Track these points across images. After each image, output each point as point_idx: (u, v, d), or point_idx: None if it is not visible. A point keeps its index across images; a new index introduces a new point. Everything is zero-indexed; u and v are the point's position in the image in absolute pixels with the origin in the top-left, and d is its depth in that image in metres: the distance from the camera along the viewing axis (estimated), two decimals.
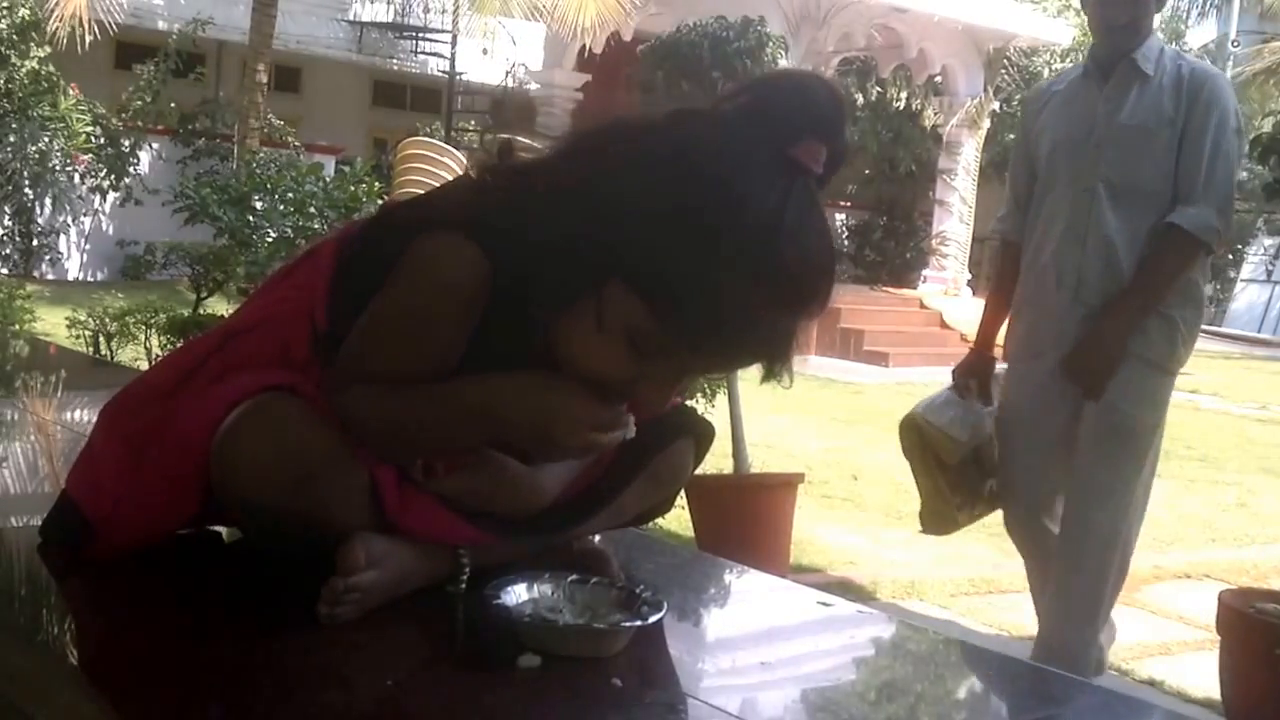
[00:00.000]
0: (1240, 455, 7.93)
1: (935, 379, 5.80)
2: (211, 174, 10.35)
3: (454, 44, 15.57)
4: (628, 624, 1.09)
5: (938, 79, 13.78)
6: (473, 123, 16.47)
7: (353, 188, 5.76)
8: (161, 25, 13.54)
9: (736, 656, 1.22)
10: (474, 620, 1.14)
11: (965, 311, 12.01)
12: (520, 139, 1.17)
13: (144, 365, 4.48)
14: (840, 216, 14.88)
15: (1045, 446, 3.00)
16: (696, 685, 1.12)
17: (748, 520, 4.13)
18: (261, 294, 1.33)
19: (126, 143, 11.78)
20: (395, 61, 17.11)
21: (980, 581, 4.33)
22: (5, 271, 10.74)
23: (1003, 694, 1.24)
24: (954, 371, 3.19)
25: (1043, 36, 13.78)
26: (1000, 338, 3.22)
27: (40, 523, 1.25)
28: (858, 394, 9.37)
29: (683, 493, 2.62)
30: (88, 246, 11.95)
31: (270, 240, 5.39)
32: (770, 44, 10.02)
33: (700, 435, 1.34)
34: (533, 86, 14.66)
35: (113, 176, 11.67)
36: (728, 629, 1.35)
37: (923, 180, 15.01)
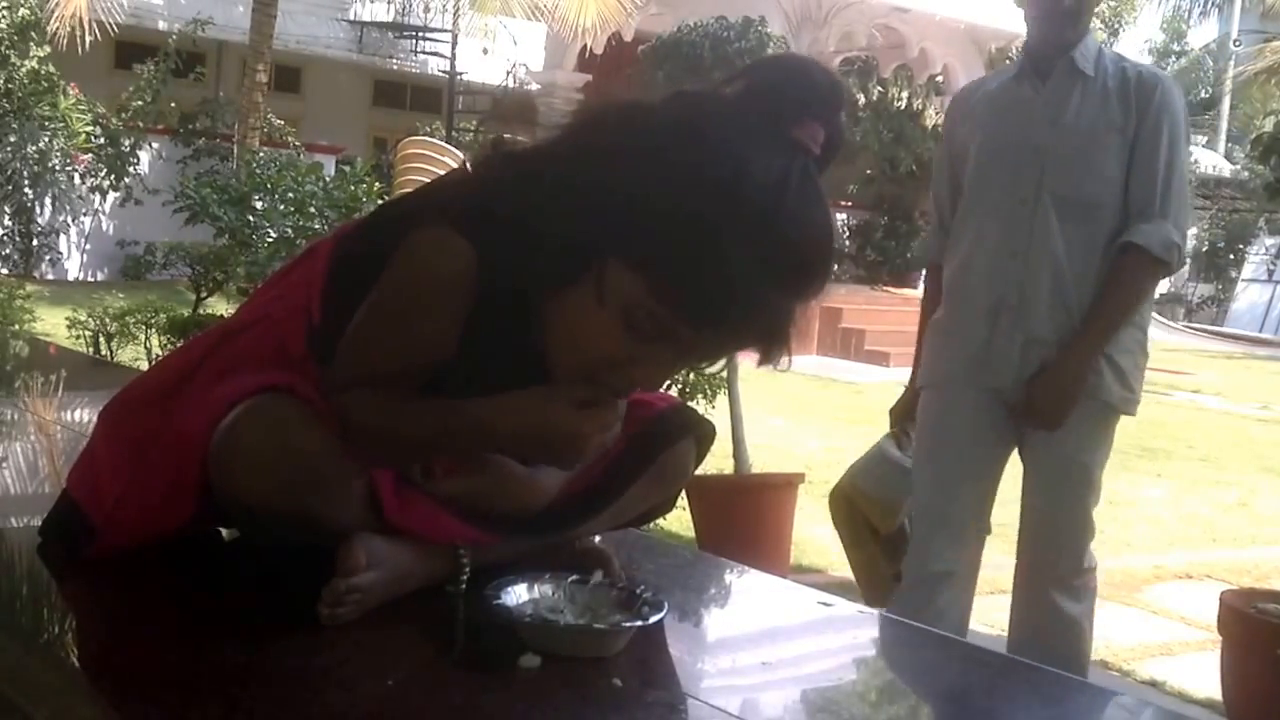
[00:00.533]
0: (1242, 455, 7.93)
1: None
2: (211, 174, 10.34)
3: (454, 44, 15.56)
4: (628, 624, 1.09)
5: (939, 79, 13.80)
6: (473, 123, 16.48)
7: (353, 188, 5.76)
8: (161, 25, 13.55)
9: (737, 656, 1.22)
10: (474, 620, 1.14)
11: None
12: (518, 136, 1.18)
13: (144, 365, 4.48)
14: (841, 216, 14.86)
15: (970, 478, 2.69)
16: (697, 685, 1.12)
17: (748, 520, 4.14)
18: (260, 294, 1.34)
19: (126, 142, 11.78)
20: (395, 61, 17.12)
21: (980, 581, 4.32)
22: (5, 271, 10.74)
23: (1003, 694, 1.24)
24: (891, 412, 2.92)
25: None
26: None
27: (40, 523, 1.25)
28: (858, 394, 9.37)
29: (684, 493, 2.61)
30: (88, 246, 11.96)
31: (270, 240, 5.39)
32: (771, 44, 10.05)
33: (701, 435, 1.34)
34: (533, 86, 14.66)
35: (113, 176, 11.67)
36: (728, 629, 1.35)
37: (924, 180, 14.99)
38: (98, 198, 11.78)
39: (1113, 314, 2.52)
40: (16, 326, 5.58)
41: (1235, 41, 24.94)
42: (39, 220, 11.45)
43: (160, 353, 5.18)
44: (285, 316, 1.22)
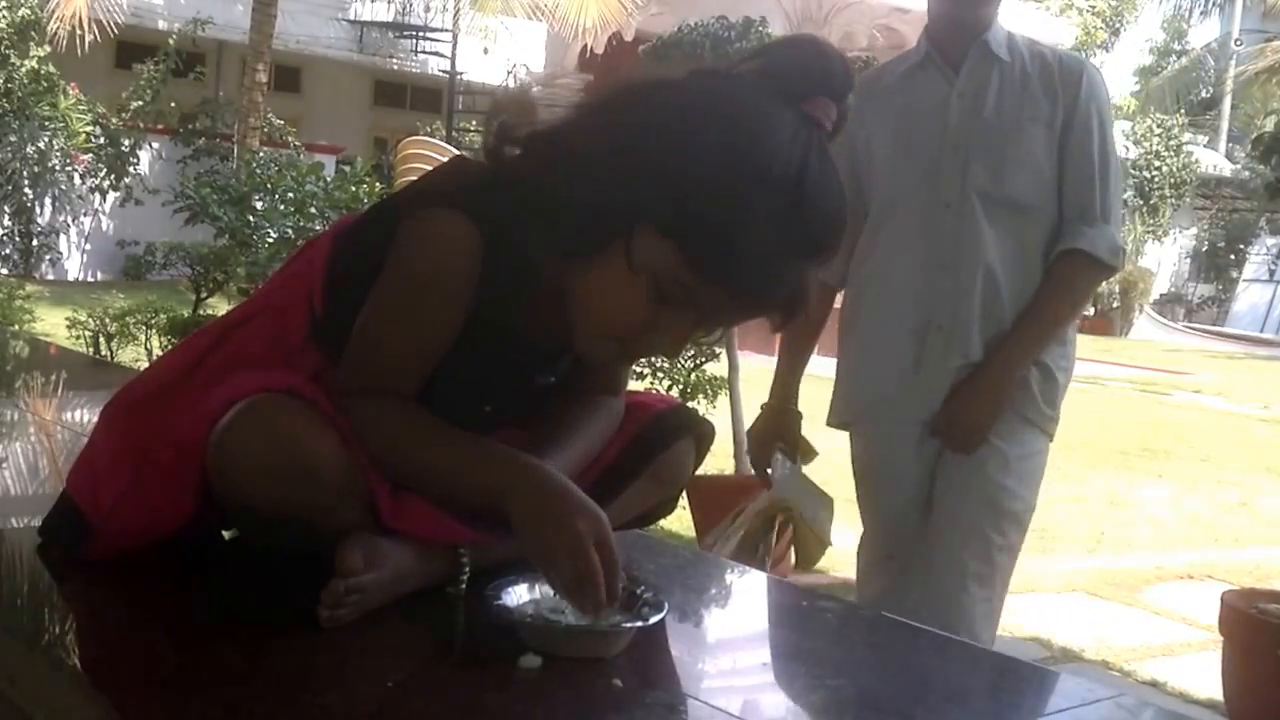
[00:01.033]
0: (1243, 455, 7.93)
1: None
2: (211, 174, 10.35)
3: (455, 44, 15.57)
4: (628, 624, 1.09)
5: None
6: (473, 123, 16.47)
7: (353, 188, 5.77)
8: (161, 25, 13.54)
9: (737, 656, 1.22)
10: (475, 621, 1.14)
11: None
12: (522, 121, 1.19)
13: (144, 365, 4.48)
14: None
15: (901, 511, 2.32)
16: (697, 685, 1.12)
17: None
18: (260, 291, 1.35)
19: (126, 142, 11.80)
20: (396, 61, 17.11)
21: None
22: (5, 271, 10.75)
23: (1003, 694, 1.24)
24: (750, 435, 2.59)
25: (1045, 36, 13.80)
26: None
27: (40, 523, 1.25)
28: None
29: (684, 493, 2.59)
30: (88, 246, 11.97)
31: (270, 240, 5.40)
32: None
33: (700, 435, 1.35)
34: (536, 89, 14.66)
35: (113, 176, 11.69)
36: (728, 629, 1.35)
37: None
38: (98, 198, 11.80)
39: (1049, 321, 2.23)
40: (16, 327, 5.58)
41: (1236, 41, 24.94)
42: (39, 220, 11.46)
43: (160, 353, 5.18)
44: (287, 306, 1.23)
